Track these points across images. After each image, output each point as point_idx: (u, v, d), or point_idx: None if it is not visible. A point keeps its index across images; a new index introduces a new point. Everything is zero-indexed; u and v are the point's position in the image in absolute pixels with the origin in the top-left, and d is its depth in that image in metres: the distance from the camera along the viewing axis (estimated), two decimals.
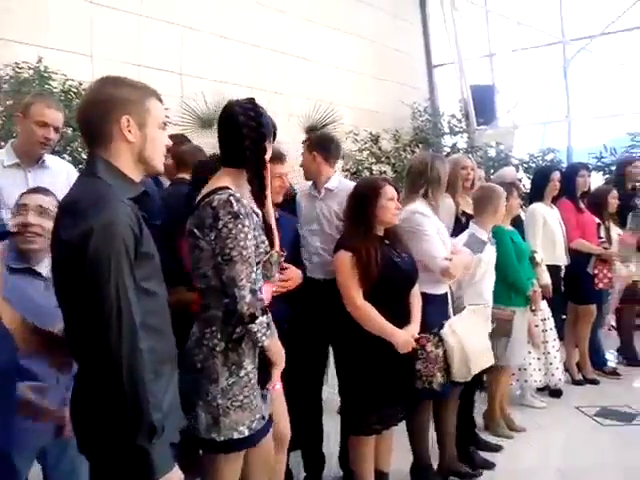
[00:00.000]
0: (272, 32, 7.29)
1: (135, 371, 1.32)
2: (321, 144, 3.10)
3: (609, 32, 7.98)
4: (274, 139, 2.00)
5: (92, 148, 1.50)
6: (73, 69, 4.75)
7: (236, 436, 1.82)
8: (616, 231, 4.82)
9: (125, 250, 1.35)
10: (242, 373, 1.83)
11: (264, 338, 1.82)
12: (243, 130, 1.87)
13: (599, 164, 7.30)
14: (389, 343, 2.46)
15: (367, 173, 7.10)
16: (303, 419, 3.00)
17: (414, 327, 2.54)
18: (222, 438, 1.81)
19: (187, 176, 2.93)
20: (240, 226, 1.77)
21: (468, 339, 2.71)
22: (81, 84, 4.43)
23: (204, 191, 1.87)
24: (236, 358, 1.83)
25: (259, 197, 1.90)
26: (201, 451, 1.93)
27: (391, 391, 2.54)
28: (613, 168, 7.23)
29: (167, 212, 2.63)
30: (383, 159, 7.42)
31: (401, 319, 2.52)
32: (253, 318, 1.77)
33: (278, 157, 2.49)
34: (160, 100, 1.59)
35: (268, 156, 1.93)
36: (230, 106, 1.93)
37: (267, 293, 1.98)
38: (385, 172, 7.33)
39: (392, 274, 2.46)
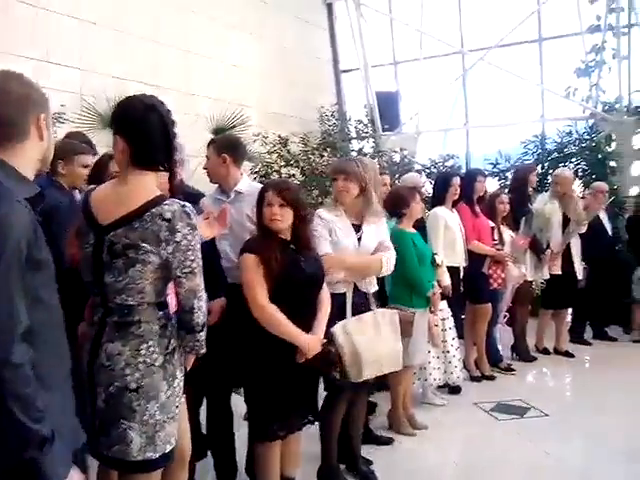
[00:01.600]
0: (179, 31, 7.12)
1: (12, 384, 1.23)
2: (230, 146, 3.06)
3: (504, 44, 8.43)
4: None
5: None
6: None
7: (169, 448, 1.79)
8: (509, 234, 5.12)
9: (18, 253, 1.27)
10: (175, 384, 1.82)
11: (204, 345, 1.85)
12: (166, 128, 1.82)
13: (494, 170, 7.73)
14: (294, 347, 2.46)
15: (276, 176, 7.10)
16: (214, 427, 2.96)
17: (319, 330, 2.54)
18: (158, 454, 1.76)
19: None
20: (197, 237, 1.77)
21: (362, 341, 2.70)
22: None
23: (130, 199, 1.76)
24: (172, 370, 1.81)
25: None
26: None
27: (295, 396, 2.53)
28: (508, 174, 7.72)
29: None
30: (292, 162, 7.45)
31: (307, 322, 2.52)
32: (203, 327, 1.80)
33: None
34: None
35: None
36: (139, 103, 1.83)
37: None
38: (294, 175, 7.38)
39: (294, 276, 2.45)
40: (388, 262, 2.99)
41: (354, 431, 3.18)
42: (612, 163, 7.44)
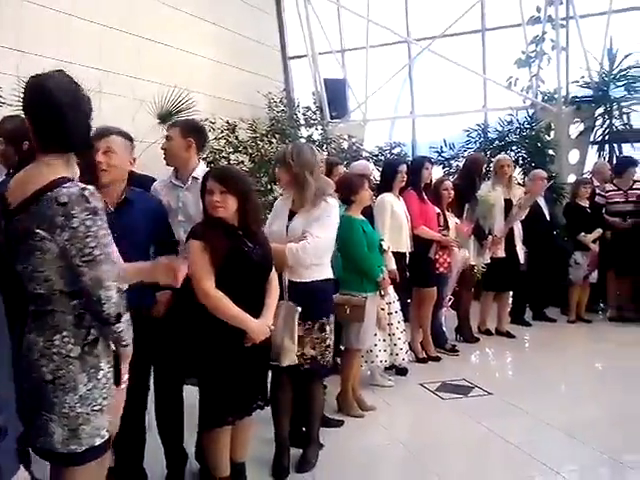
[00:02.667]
0: (126, 14, 6.89)
1: None
2: (196, 130, 3.00)
3: (448, 34, 8.58)
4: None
5: None
6: None
7: (98, 442, 1.72)
8: (454, 220, 5.27)
9: None
10: (100, 375, 1.73)
11: (127, 337, 1.74)
12: (63, 109, 1.68)
13: (439, 158, 7.91)
14: (243, 333, 2.47)
15: (224, 162, 7.02)
16: (163, 417, 2.95)
17: (268, 316, 2.56)
18: (84, 447, 1.70)
19: None
20: (100, 222, 1.65)
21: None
22: None
23: (32, 182, 1.66)
24: (94, 361, 1.72)
25: (94, 185, 1.72)
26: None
27: (244, 382, 2.55)
28: (452, 162, 7.92)
29: None
30: (241, 149, 7.38)
31: (255, 308, 2.52)
32: (119, 318, 1.69)
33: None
34: None
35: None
36: (41, 81, 1.72)
37: None
38: (243, 162, 7.32)
39: (240, 262, 2.45)
40: (294, 252, 2.86)
41: (310, 415, 3.21)
42: (551, 151, 7.74)
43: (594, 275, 6.40)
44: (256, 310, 2.52)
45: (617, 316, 6.45)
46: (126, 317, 1.73)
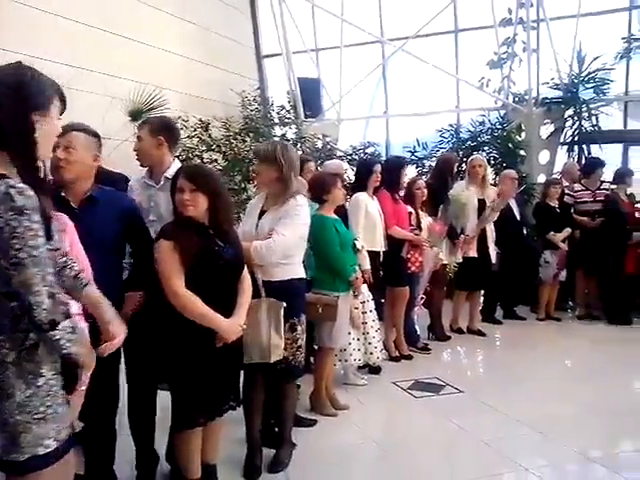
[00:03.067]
0: (95, 8, 6.78)
1: None
2: (166, 127, 2.95)
3: (422, 35, 8.64)
4: (64, 109, 1.76)
5: None
6: None
7: (42, 451, 1.63)
8: (427, 219, 5.31)
9: None
10: (40, 382, 1.64)
11: (69, 345, 1.61)
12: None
13: (413, 158, 7.96)
14: (214, 333, 2.45)
15: (197, 160, 6.97)
16: (136, 416, 2.91)
17: (240, 315, 2.53)
18: (25, 456, 1.61)
19: None
20: (27, 223, 1.52)
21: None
22: None
23: None
24: (32, 367, 1.62)
25: (33, 184, 1.59)
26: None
27: (216, 382, 2.53)
28: (425, 162, 7.98)
29: None
30: (214, 147, 7.34)
31: (227, 308, 2.50)
32: (53, 325, 1.56)
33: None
34: None
35: (41, 131, 1.66)
36: None
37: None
38: (216, 160, 7.27)
39: (211, 261, 2.43)
40: (258, 251, 2.84)
41: (283, 415, 3.20)
42: (522, 152, 7.85)
43: (563, 274, 6.53)
44: (228, 310, 2.49)
45: (585, 314, 6.58)
46: (65, 324, 1.60)
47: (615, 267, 6.24)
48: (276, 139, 7.89)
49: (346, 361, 4.22)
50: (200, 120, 7.30)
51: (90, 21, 6.68)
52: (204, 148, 7.28)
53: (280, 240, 2.87)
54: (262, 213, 3.02)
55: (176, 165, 2.94)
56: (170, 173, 2.84)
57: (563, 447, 3.38)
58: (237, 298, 2.57)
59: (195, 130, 7.23)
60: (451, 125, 8.38)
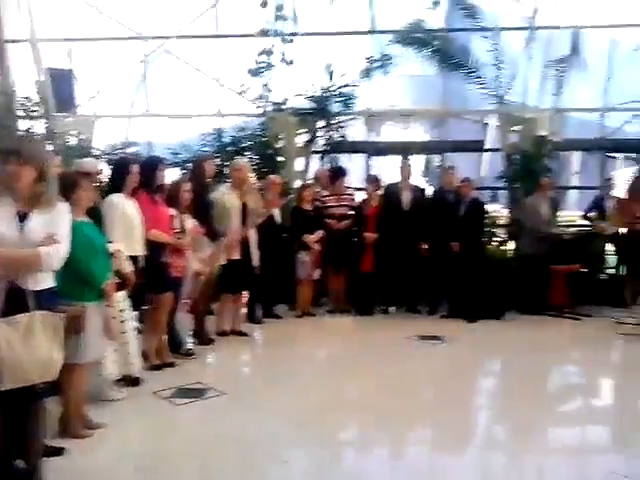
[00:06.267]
0: None
1: None
2: None
3: (183, 36, 8.53)
4: None
5: None
6: None
7: None
8: (191, 222, 5.23)
9: None
10: None
11: None
12: None
13: (175, 160, 7.83)
14: None
15: None
16: None
17: None
18: None
19: None
20: None
21: (3, 346, 2.51)
22: None
23: None
24: None
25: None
26: None
27: None
28: (189, 164, 7.89)
29: None
30: None
31: None
32: None
33: None
34: None
35: None
36: None
37: None
38: None
39: None
40: (50, 256, 2.69)
41: (32, 445, 2.84)
42: (280, 158, 8.23)
43: (317, 273, 7.03)
44: None
45: (335, 309, 7.21)
46: None
47: (356, 266, 7.01)
48: (20, 133, 7.09)
49: (100, 375, 3.94)
50: None
51: None
52: None
53: (64, 245, 2.79)
54: (21, 216, 2.71)
55: None
56: None
57: (315, 434, 3.63)
58: None
59: None
60: (214, 129, 8.43)
